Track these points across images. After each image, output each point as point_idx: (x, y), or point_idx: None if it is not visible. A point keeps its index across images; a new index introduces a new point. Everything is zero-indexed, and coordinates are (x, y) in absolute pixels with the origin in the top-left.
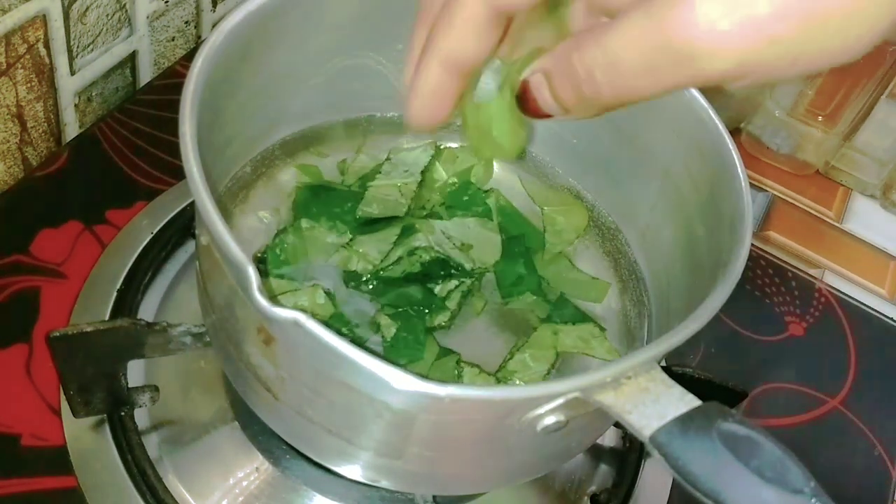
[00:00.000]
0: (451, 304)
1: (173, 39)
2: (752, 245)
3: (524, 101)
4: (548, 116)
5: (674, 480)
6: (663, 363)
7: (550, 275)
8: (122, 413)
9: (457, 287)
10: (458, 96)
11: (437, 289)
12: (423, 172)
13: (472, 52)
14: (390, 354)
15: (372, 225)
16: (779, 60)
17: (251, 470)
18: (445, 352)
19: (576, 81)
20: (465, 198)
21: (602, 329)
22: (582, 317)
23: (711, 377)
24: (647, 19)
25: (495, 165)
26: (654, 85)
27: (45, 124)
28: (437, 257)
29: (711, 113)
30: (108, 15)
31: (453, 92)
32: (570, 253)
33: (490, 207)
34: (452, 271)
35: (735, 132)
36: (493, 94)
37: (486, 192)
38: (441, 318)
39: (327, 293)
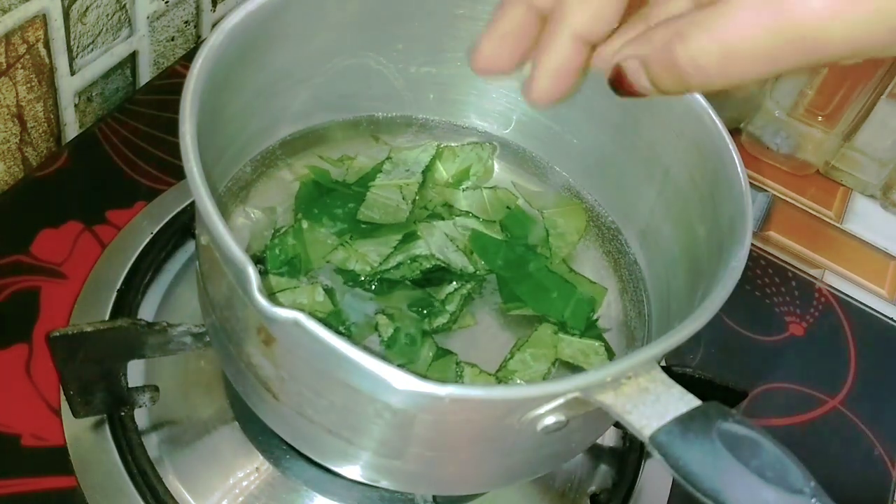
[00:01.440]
0: (451, 306)
1: (173, 39)
2: (752, 245)
3: (618, 84)
4: (643, 96)
5: (674, 480)
6: (663, 363)
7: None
8: (122, 413)
9: (456, 290)
10: (583, 71)
11: (437, 291)
12: (424, 172)
13: (607, 26)
14: (386, 354)
15: (373, 229)
16: None
17: (251, 470)
18: (443, 352)
19: (678, 71)
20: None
21: (606, 346)
22: (589, 329)
23: (711, 377)
24: (764, 5)
25: (495, 166)
26: (769, 68)
27: (45, 124)
28: (437, 265)
29: (711, 113)
30: (108, 15)
31: (580, 66)
32: (568, 255)
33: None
34: (454, 280)
35: (735, 132)
36: None
37: (490, 188)
38: (440, 321)
39: (326, 291)
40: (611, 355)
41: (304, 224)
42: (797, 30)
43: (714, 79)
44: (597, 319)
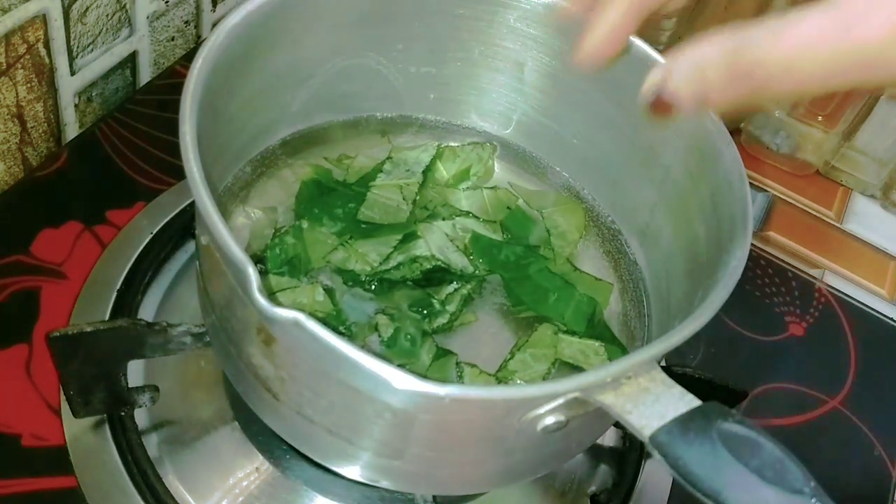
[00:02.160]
0: (451, 306)
1: (173, 39)
2: (752, 245)
3: (659, 109)
4: (674, 114)
5: (674, 480)
6: (663, 363)
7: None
8: (122, 413)
9: (456, 290)
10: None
11: (437, 292)
12: (424, 172)
13: None
14: (386, 354)
15: (373, 229)
16: None
17: (251, 470)
18: (443, 352)
19: (738, 76)
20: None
21: (605, 347)
22: (594, 330)
23: (711, 377)
24: (830, 22)
25: (495, 166)
26: (823, 84)
27: (45, 124)
28: (438, 265)
29: (711, 113)
30: (108, 15)
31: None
32: (571, 254)
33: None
34: (454, 280)
35: (735, 132)
36: None
37: (491, 188)
38: (440, 321)
39: (326, 291)
40: (623, 352)
41: (304, 224)
42: (859, 49)
43: (771, 88)
44: (601, 318)
